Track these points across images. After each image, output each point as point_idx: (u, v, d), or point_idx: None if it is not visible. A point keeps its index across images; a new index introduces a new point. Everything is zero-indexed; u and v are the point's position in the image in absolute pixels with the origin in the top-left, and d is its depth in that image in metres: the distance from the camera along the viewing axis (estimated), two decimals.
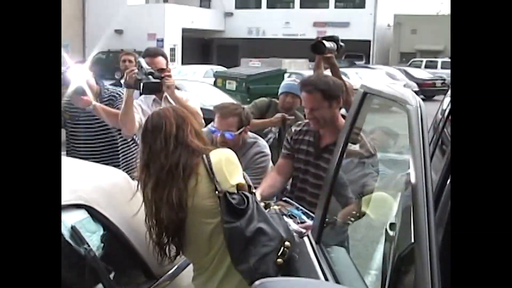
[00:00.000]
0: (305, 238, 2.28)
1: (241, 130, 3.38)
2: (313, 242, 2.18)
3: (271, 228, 2.34)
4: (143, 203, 2.40)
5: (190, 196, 2.32)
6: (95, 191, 2.38)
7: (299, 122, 3.46)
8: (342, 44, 4.18)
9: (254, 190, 2.48)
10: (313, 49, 4.07)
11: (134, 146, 4.27)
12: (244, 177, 2.44)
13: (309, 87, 3.10)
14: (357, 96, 2.26)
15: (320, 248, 2.14)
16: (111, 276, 2.30)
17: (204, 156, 2.36)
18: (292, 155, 3.31)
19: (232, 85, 16.86)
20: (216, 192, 2.30)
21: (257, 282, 1.26)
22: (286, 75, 17.81)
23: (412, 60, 35.87)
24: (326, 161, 3.08)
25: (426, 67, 31.81)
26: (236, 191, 2.34)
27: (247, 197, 2.35)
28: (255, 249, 2.28)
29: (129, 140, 4.25)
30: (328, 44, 4.04)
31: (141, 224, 2.43)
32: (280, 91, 4.73)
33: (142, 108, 3.89)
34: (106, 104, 4.01)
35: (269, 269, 2.26)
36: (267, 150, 3.51)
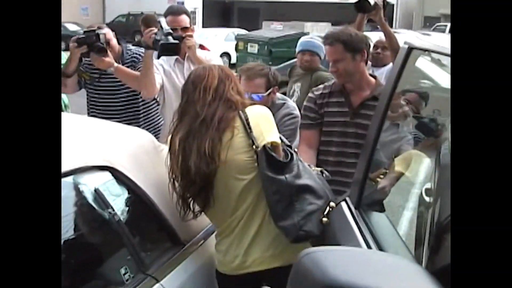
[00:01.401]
0: (343, 203, 2.15)
1: (269, 90, 3.27)
2: (352, 207, 2.05)
3: (318, 186, 2.30)
4: (169, 153, 2.33)
5: (224, 149, 2.24)
6: (119, 153, 2.30)
7: (319, 86, 3.33)
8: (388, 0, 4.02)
9: (295, 149, 2.41)
10: (358, 7, 3.89)
11: (155, 109, 4.13)
12: (280, 138, 2.35)
13: (330, 39, 3.05)
14: (400, 52, 2.09)
15: (359, 213, 2.02)
16: (136, 241, 2.23)
17: (241, 111, 2.30)
18: (318, 123, 3.18)
19: (254, 48, 16.76)
20: (254, 146, 2.23)
21: (304, 252, 1.14)
22: None
23: (436, 24, 35.09)
24: (365, 117, 2.99)
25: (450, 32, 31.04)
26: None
27: (291, 152, 2.31)
28: (300, 205, 2.23)
29: (151, 102, 4.10)
30: (372, 1, 3.88)
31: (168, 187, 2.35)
32: (297, 49, 4.49)
33: (164, 68, 3.80)
34: (128, 66, 3.87)
35: (314, 227, 2.22)
36: (297, 112, 3.39)
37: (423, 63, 2.16)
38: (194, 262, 2.46)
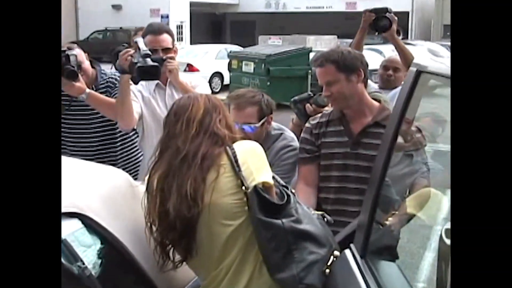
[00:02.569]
0: (347, 251, 2.15)
1: (263, 120, 3.27)
2: (357, 256, 2.05)
3: (321, 233, 2.30)
4: (146, 193, 2.34)
5: (208, 190, 2.25)
6: (90, 197, 2.30)
7: (314, 116, 3.35)
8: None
9: (292, 190, 2.41)
10: (376, 26, 3.96)
11: (135, 143, 4.15)
12: (273, 177, 2.36)
13: (320, 59, 3.07)
14: (408, 76, 2.11)
15: (366, 263, 2.02)
16: None
17: (228, 147, 2.31)
18: (315, 157, 3.19)
19: (249, 67, 16.82)
20: (243, 187, 2.23)
21: None
22: (311, 54, 17.75)
23: None
24: (368, 147, 3.02)
25: None
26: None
27: (287, 193, 2.31)
28: (300, 255, 2.21)
29: (130, 134, 4.12)
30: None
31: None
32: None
33: (143, 95, 3.78)
34: (102, 92, 3.89)
35: (316, 280, 2.20)
36: (296, 143, 3.39)
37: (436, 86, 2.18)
38: None
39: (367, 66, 3.10)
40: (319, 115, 3.30)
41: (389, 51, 21.05)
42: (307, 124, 3.28)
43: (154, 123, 3.71)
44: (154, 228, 2.33)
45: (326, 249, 2.27)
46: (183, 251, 2.35)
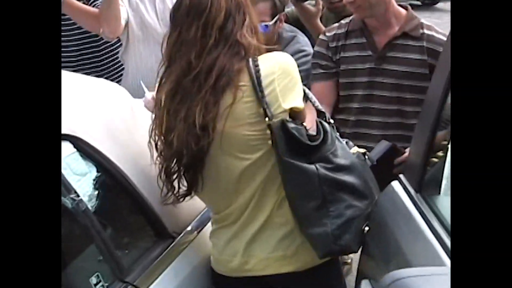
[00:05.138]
0: (394, 184, 1.92)
1: (275, 18, 3.08)
2: (412, 191, 1.87)
3: (363, 183, 2.11)
4: (154, 111, 2.18)
5: (221, 118, 2.04)
6: (84, 115, 2.17)
7: (332, 26, 3.16)
8: None
9: (330, 120, 2.20)
10: None
11: (117, 55, 3.92)
12: (307, 98, 2.17)
13: None
14: None
15: (423, 198, 1.85)
16: (110, 236, 2.12)
17: (251, 60, 2.05)
18: (333, 74, 3.00)
19: None
20: (266, 118, 2.01)
21: (392, 276, 1.06)
22: None
23: None
24: (395, 62, 2.85)
25: None
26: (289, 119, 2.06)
27: (324, 128, 2.08)
28: (337, 209, 2.04)
29: (115, 45, 3.89)
30: None
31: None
32: None
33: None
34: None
35: (353, 242, 2.07)
36: (309, 48, 3.21)
37: None
38: (188, 261, 2.34)
39: None
40: (336, 25, 3.10)
41: None
42: (321, 37, 3.09)
43: (141, 31, 3.54)
44: (159, 151, 2.16)
45: (368, 201, 2.12)
46: (188, 183, 2.19)
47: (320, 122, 2.13)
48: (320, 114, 2.19)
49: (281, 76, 2.05)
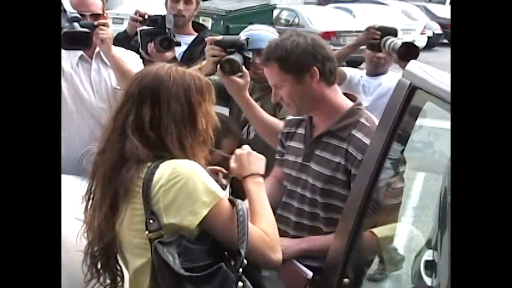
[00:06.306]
0: None
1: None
2: None
3: None
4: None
5: (119, 217, 2.05)
6: None
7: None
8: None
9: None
10: (405, 53, 3.53)
11: None
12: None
13: (263, 55, 2.71)
14: (398, 89, 1.69)
15: None
16: None
17: (149, 165, 2.01)
18: (283, 161, 2.89)
19: (206, 24, 16.50)
20: (146, 233, 1.96)
21: None
22: (275, 12, 17.55)
23: None
24: (318, 162, 2.65)
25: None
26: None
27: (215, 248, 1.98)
28: None
29: None
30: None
31: None
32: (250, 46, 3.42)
33: (63, 69, 3.44)
34: None
35: None
36: None
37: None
38: None
39: (329, 57, 2.63)
40: None
41: (360, 10, 20.86)
42: (288, 118, 2.95)
43: (75, 103, 3.43)
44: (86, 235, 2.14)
45: None
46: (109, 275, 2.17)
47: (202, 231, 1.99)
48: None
49: (171, 187, 1.97)
